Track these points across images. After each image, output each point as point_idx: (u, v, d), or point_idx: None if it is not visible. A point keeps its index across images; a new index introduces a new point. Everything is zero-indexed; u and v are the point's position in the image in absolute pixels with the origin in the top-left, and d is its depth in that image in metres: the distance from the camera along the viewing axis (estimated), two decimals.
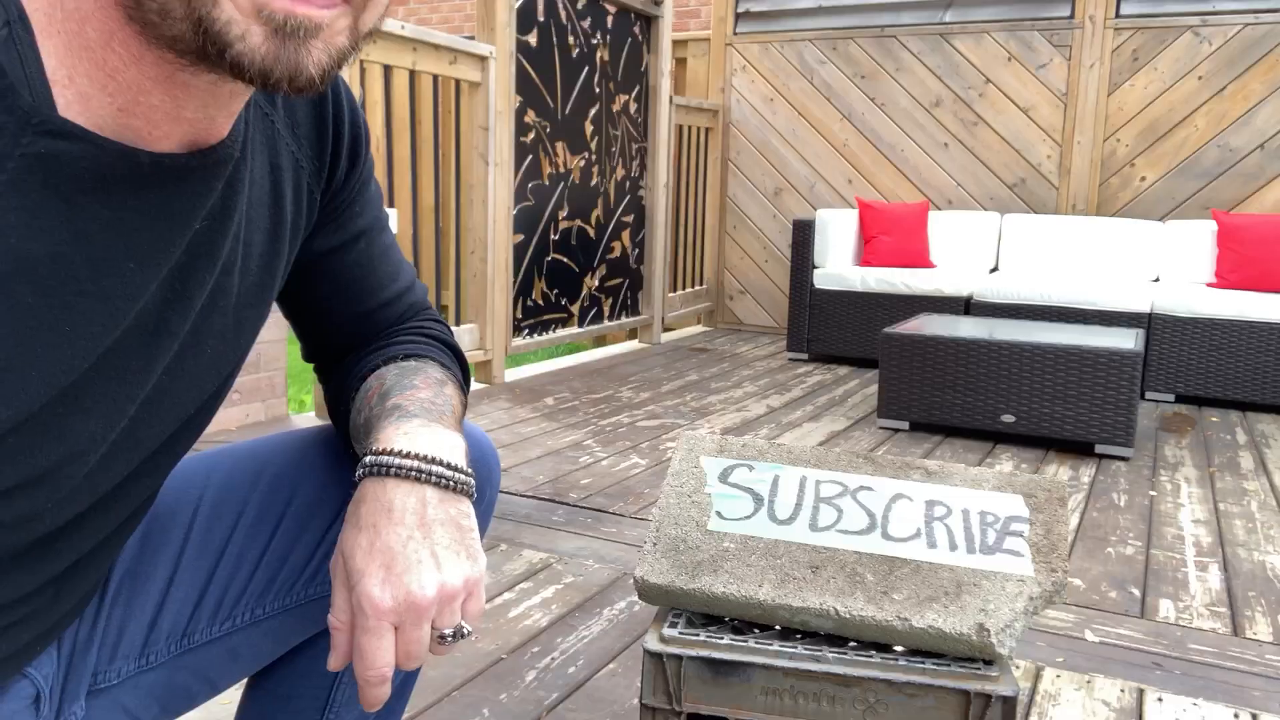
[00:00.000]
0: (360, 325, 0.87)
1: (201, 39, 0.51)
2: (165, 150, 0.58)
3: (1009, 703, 0.81)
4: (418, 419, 0.74)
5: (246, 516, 0.85)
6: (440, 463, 0.71)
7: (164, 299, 0.62)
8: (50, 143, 0.51)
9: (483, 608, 0.73)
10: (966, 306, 4.52)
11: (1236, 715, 1.56)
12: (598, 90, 4.68)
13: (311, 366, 0.93)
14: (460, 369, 0.90)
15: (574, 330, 4.68)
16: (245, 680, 0.95)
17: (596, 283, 4.83)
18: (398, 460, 0.71)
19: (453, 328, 3.99)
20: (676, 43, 5.66)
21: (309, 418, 3.36)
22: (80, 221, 0.55)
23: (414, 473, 0.70)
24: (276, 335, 3.25)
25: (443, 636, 0.70)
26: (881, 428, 3.47)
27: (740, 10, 5.72)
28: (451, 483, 0.72)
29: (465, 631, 0.71)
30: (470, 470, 0.74)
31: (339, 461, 0.87)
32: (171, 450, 0.72)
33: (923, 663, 0.85)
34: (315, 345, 0.90)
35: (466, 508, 0.73)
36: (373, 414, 0.77)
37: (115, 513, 0.69)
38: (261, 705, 0.94)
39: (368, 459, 0.72)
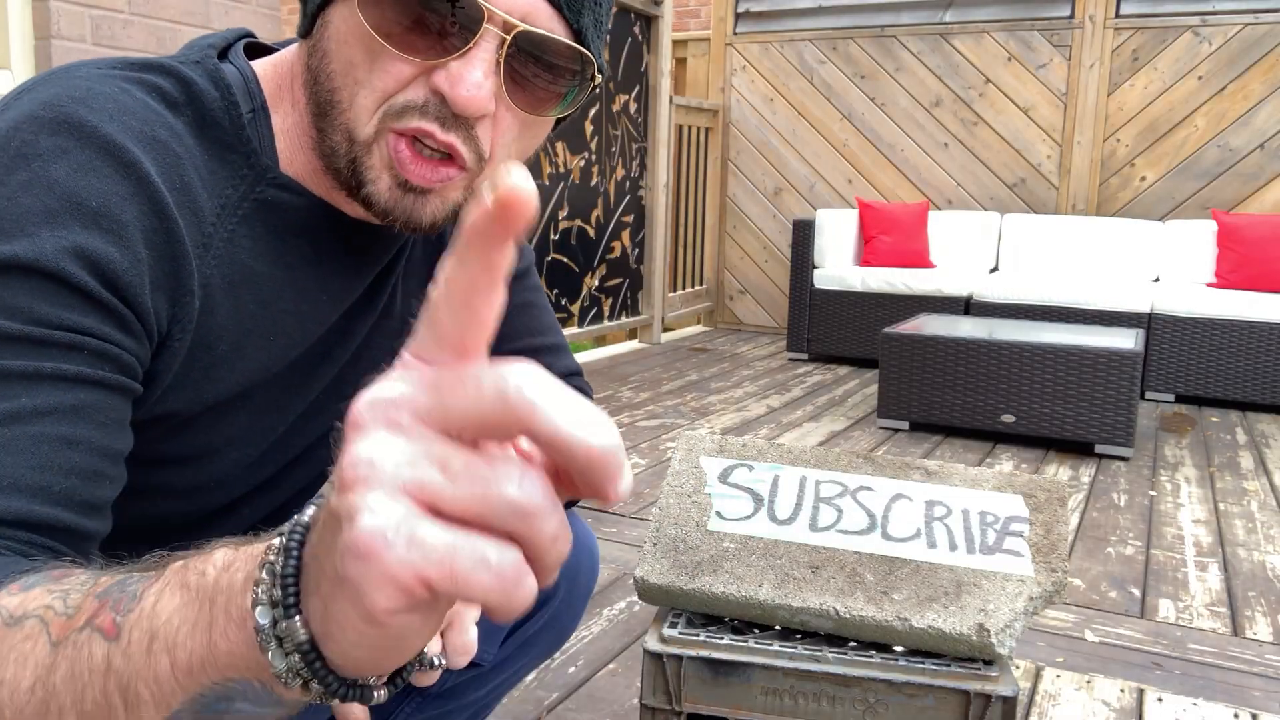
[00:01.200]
0: None
1: (349, 174, 0.66)
2: (361, 217, 0.72)
3: (1009, 703, 0.81)
4: None
5: None
6: None
7: (336, 331, 0.76)
8: (276, 192, 0.69)
9: (470, 644, 0.68)
10: (966, 306, 4.52)
11: (1236, 715, 1.56)
12: (597, 90, 4.68)
13: None
14: None
15: (574, 330, 4.68)
16: None
17: (596, 283, 4.83)
18: None
19: None
20: (676, 42, 5.66)
21: None
22: (291, 256, 0.70)
23: None
24: None
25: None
26: (881, 428, 3.47)
27: (740, 10, 5.72)
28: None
29: (439, 663, 0.66)
30: None
31: None
32: (312, 464, 0.81)
33: (922, 663, 0.85)
34: None
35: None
36: None
37: (267, 503, 0.79)
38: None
39: None
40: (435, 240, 0.84)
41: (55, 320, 0.55)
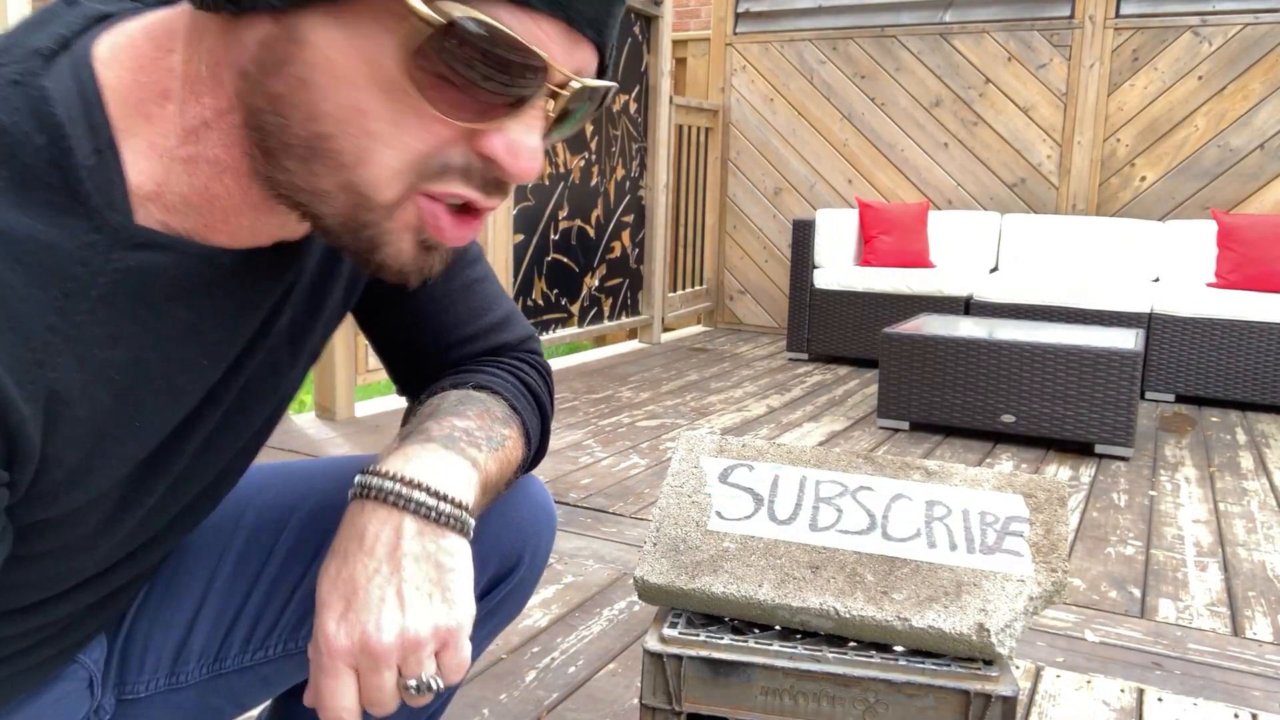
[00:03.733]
0: (439, 360, 0.83)
1: (353, 232, 0.54)
2: (244, 247, 0.60)
3: (1009, 702, 0.81)
4: (434, 444, 0.68)
5: (283, 544, 0.83)
6: (425, 489, 0.64)
7: (220, 385, 0.64)
8: (140, 255, 0.54)
9: (465, 660, 0.64)
10: (966, 306, 4.52)
11: (1236, 715, 1.56)
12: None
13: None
14: (539, 422, 0.84)
15: (574, 330, 4.68)
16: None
17: (596, 282, 4.83)
18: (380, 482, 0.64)
19: None
20: (676, 42, 5.66)
21: (309, 418, 3.36)
22: (163, 327, 0.57)
23: (392, 497, 0.64)
24: None
25: (408, 687, 0.62)
26: (881, 428, 3.47)
27: (740, 10, 5.72)
28: (435, 513, 0.64)
29: (436, 685, 0.63)
30: (466, 504, 0.66)
31: None
32: (212, 496, 0.72)
33: (922, 662, 0.85)
34: (398, 377, 0.88)
35: (453, 544, 0.64)
36: (401, 433, 0.72)
37: (156, 552, 0.71)
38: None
39: (356, 478, 0.66)
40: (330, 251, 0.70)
41: None
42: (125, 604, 0.75)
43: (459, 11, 0.48)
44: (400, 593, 0.62)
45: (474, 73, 0.50)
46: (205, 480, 0.69)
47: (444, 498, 0.65)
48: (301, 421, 3.32)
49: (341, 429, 3.22)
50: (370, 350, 4.07)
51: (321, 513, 0.84)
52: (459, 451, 0.69)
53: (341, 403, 3.33)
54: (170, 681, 0.80)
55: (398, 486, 0.64)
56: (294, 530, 0.84)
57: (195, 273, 0.57)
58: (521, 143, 0.53)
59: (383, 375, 3.48)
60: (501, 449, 0.73)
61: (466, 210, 0.56)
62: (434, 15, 0.48)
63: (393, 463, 0.66)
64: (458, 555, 0.64)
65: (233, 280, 0.59)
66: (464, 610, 0.64)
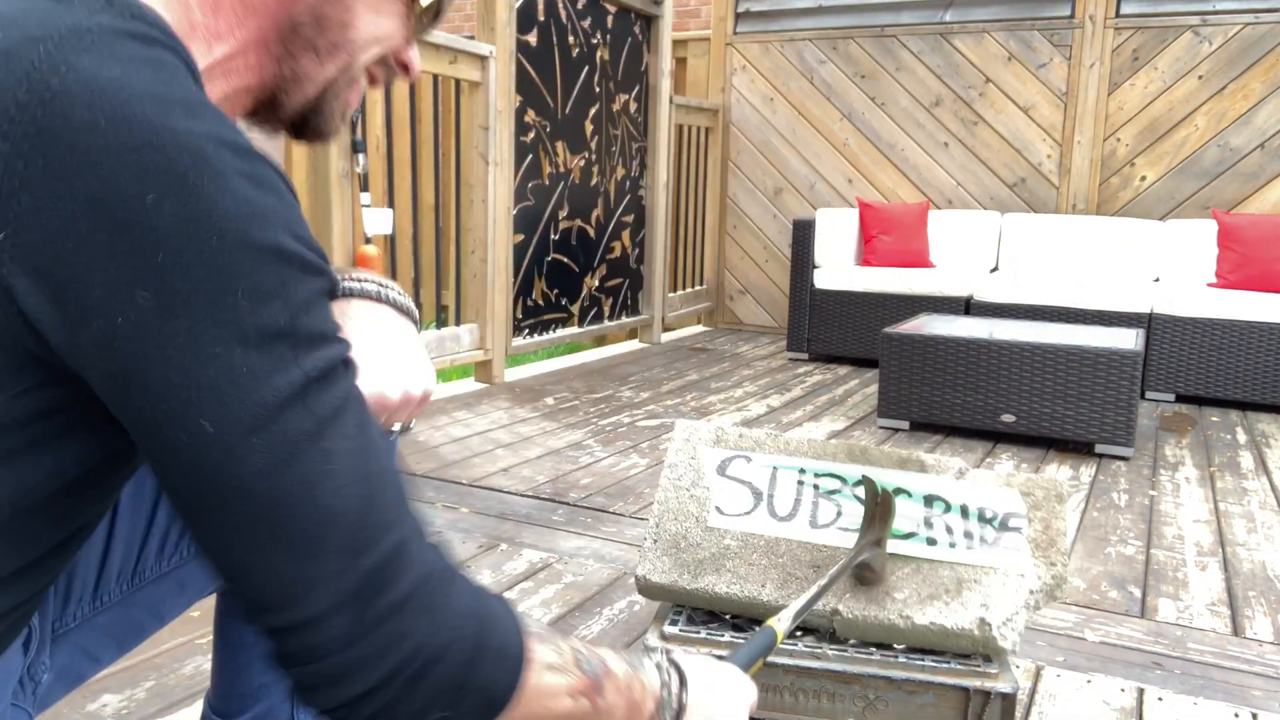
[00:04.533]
0: None
1: (317, 106, 0.70)
2: None
3: (1008, 699, 0.81)
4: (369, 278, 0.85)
5: None
6: (393, 288, 0.83)
7: None
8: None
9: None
10: (966, 306, 4.51)
11: (1237, 715, 1.56)
12: (598, 90, 4.68)
13: None
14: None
15: (574, 330, 4.68)
16: (216, 640, 0.99)
17: (596, 282, 4.83)
18: (355, 283, 0.81)
19: (452, 328, 3.98)
20: (676, 42, 5.66)
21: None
22: None
23: (373, 293, 0.81)
24: None
25: (390, 432, 0.77)
26: (882, 427, 3.47)
27: (740, 10, 5.72)
28: (402, 306, 0.83)
29: (410, 427, 0.77)
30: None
31: None
32: None
33: (922, 659, 0.85)
34: None
35: (414, 330, 0.84)
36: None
37: None
38: (236, 655, 0.97)
39: (343, 284, 0.81)
40: None
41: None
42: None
43: None
44: (407, 358, 0.79)
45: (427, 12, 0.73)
46: None
47: (403, 294, 0.84)
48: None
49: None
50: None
51: None
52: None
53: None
54: (94, 605, 0.84)
55: (376, 286, 0.82)
56: None
57: None
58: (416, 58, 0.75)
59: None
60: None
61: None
62: None
63: (357, 274, 0.83)
64: (418, 337, 0.84)
65: None
66: (434, 377, 0.83)
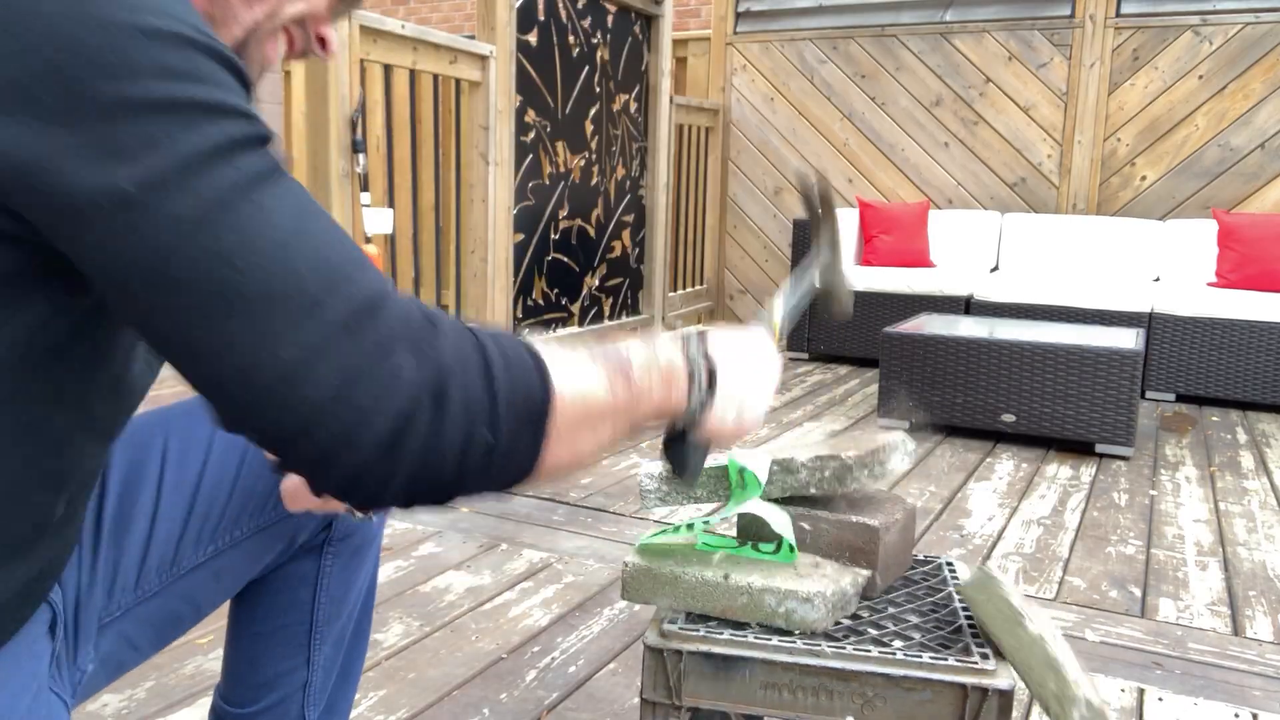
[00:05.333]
0: None
1: (235, 48, 0.68)
2: None
3: (1005, 695, 0.81)
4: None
5: (214, 451, 0.91)
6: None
7: None
8: None
9: None
10: (967, 306, 4.51)
11: (1237, 715, 1.56)
12: (598, 89, 4.68)
13: None
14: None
15: (574, 330, 4.68)
16: (229, 632, 1.01)
17: (597, 282, 4.83)
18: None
19: None
20: (677, 42, 5.66)
21: None
22: None
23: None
24: None
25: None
26: (882, 427, 3.47)
27: (740, 9, 5.72)
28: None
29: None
30: None
31: None
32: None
33: (919, 656, 0.85)
34: None
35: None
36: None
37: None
38: (253, 644, 0.99)
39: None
40: None
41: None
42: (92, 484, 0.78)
43: None
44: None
45: None
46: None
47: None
48: None
49: None
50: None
51: None
52: None
53: None
54: (137, 595, 0.86)
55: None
56: (219, 439, 0.91)
57: None
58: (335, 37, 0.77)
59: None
60: None
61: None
62: None
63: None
64: None
65: None
66: None
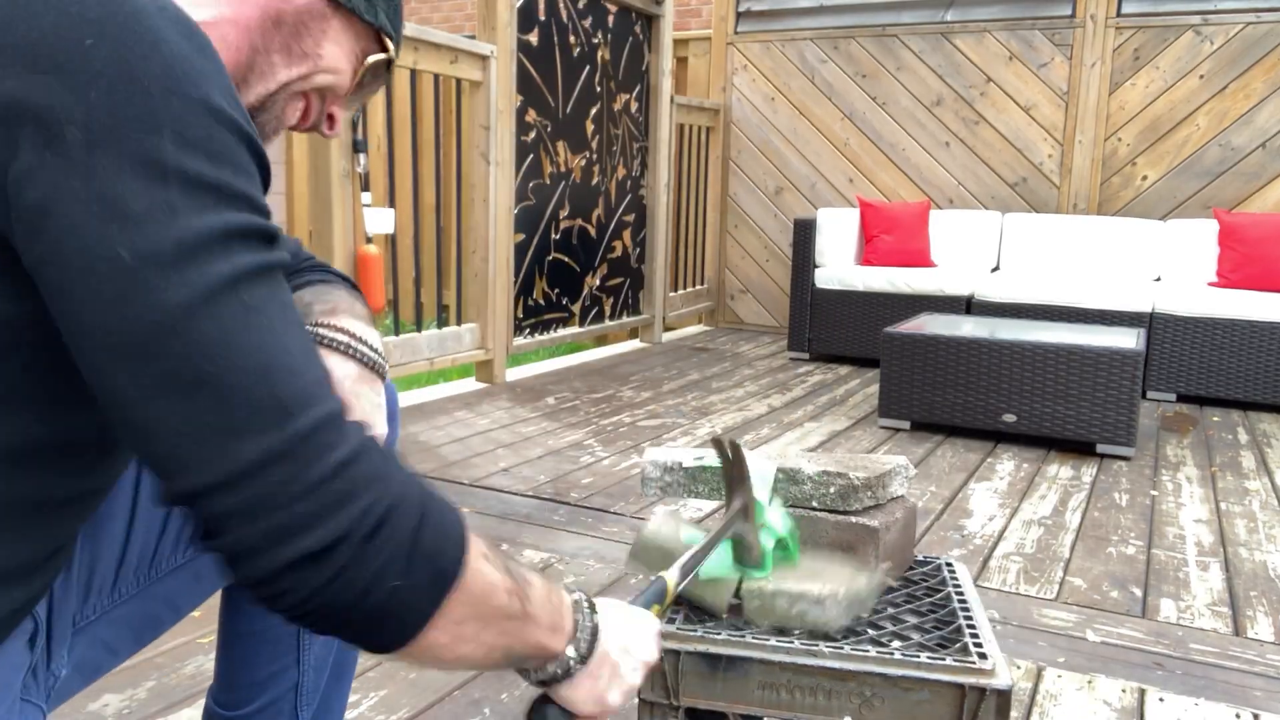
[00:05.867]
0: None
1: (264, 101, 0.74)
2: None
3: (1003, 695, 0.81)
4: (345, 313, 0.84)
5: None
6: (364, 343, 0.82)
7: None
8: None
9: None
10: (968, 306, 4.51)
11: (1238, 715, 1.56)
12: (599, 89, 4.68)
13: None
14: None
15: (575, 330, 4.68)
16: (220, 634, 1.01)
17: (597, 282, 4.83)
18: (328, 332, 0.81)
19: (453, 327, 3.98)
20: (677, 42, 5.66)
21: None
22: None
23: (343, 346, 0.80)
24: None
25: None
26: (883, 427, 3.47)
27: (741, 9, 5.72)
28: (371, 363, 0.82)
29: None
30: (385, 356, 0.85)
31: None
32: None
33: (917, 656, 0.85)
34: None
35: (380, 387, 0.83)
36: (315, 304, 0.86)
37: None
38: (243, 645, 0.99)
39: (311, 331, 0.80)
40: None
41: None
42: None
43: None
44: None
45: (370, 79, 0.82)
46: None
47: (376, 350, 0.83)
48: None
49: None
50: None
51: None
52: (362, 317, 0.86)
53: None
54: (113, 598, 0.85)
55: (346, 338, 0.81)
56: None
57: None
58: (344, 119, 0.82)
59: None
60: (365, 313, 0.90)
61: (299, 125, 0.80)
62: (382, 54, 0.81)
63: (336, 319, 0.82)
64: (383, 395, 0.84)
65: None
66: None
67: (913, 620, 0.95)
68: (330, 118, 0.80)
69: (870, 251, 4.94)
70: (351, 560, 0.56)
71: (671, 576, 0.86)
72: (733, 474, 0.94)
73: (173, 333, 0.53)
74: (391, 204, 3.86)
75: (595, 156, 4.70)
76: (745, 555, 0.95)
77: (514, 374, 4.27)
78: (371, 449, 0.59)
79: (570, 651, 0.73)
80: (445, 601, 0.61)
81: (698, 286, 5.87)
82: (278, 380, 0.55)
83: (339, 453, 0.56)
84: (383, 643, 0.61)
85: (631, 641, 0.78)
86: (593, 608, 0.76)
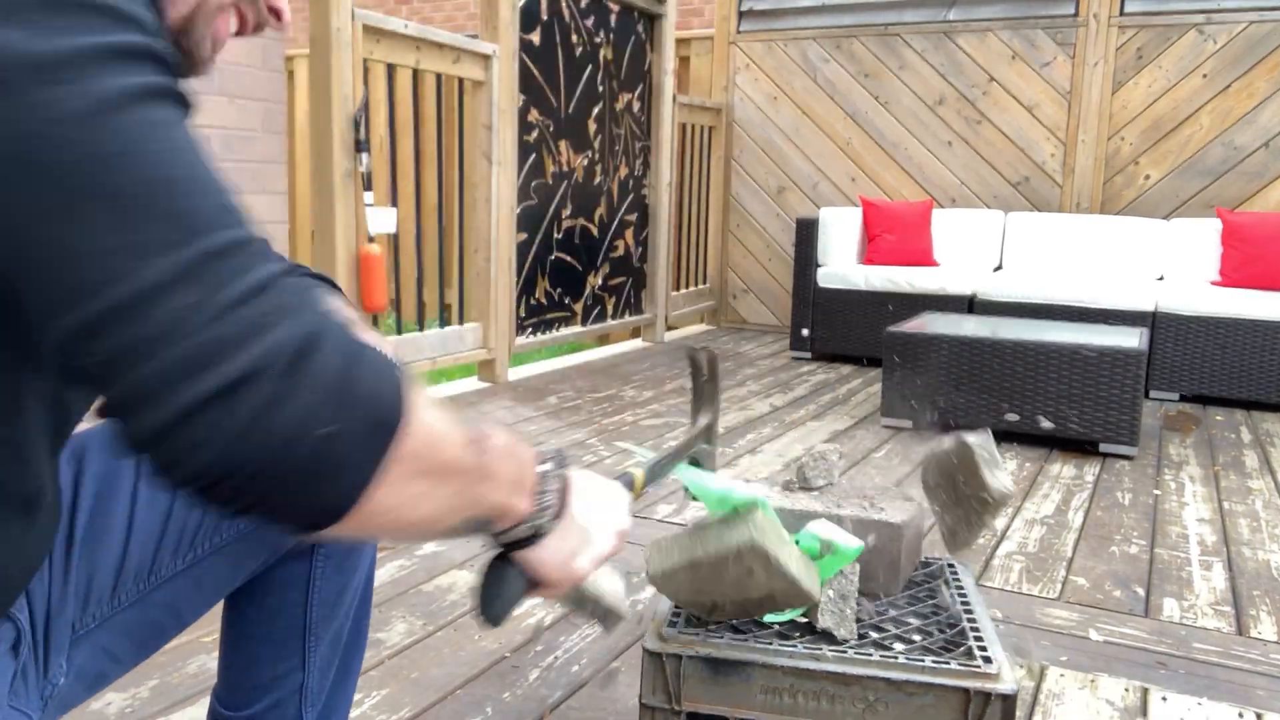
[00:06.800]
0: None
1: (185, 21, 0.67)
2: None
3: (1009, 700, 0.81)
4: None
5: None
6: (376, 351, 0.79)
7: None
8: None
9: None
10: (970, 305, 4.51)
11: (1241, 715, 1.56)
12: (601, 89, 4.68)
13: None
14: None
15: (577, 329, 4.68)
16: (224, 635, 1.01)
17: (600, 281, 4.83)
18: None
19: (456, 327, 3.98)
20: (680, 41, 5.66)
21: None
22: None
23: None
24: None
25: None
26: (885, 426, 3.47)
27: (743, 9, 5.72)
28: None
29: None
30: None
31: None
32: None
33: (922, 660, 0.85)
34: None
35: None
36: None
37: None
38: (248, 647, 0.99)
39: None
40: None
41: None
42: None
43: None
44: None
45: None
46: None
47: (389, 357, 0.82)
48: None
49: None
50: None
51: None
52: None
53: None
54: (113, 605, 0.84)
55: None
56: None
57: None
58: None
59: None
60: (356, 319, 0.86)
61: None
62: None
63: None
64: None
65: None
66: None
67: (916, 623, 0.94)
68: (274, 10, 0.72)
69: (872, 250, 4.93)
70: (271, 399, 0.49)
71: (639, 471, 0.84)
72: (704, 390, 0.94)
73: (65, 144, 0.49)
74: (394, 203, 3.86)
75: (597, 156, 4.70)
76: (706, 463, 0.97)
77: (516, 373, 4.27)
78: (292, 282, 0.53)
79: (538, 510, 0.68)
80: (389, 454, 0.53)
81: (700, 286, 5.87)
82: (181, 195, 0.51)
83: (252, 276, 0.51)
84: (320, 510, 0.53)
85: (603, 505, 0.74)
86: (562, 463, 0.72)
